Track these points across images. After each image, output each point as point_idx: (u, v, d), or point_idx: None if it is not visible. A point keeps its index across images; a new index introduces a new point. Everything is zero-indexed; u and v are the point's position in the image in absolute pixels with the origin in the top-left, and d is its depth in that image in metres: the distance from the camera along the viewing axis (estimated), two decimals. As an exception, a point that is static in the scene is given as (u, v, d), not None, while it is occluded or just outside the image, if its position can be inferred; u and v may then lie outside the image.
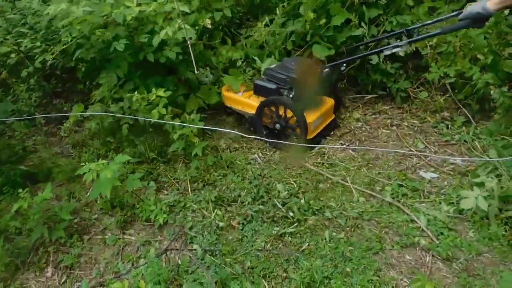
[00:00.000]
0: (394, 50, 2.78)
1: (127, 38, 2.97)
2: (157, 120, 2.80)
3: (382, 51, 2.88)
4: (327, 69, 3.09)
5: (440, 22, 2.84)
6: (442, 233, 2.41)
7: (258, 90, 3.21)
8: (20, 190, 2.48)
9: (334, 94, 3.37)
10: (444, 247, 2.30)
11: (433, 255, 2.31)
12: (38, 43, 3.34)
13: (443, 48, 3.13)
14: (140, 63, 3.12)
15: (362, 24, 3.30)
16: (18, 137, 3.60)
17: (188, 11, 2.93)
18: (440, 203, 2.61)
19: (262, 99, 3.20)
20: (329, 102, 3.28)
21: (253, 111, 3.22)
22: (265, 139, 3.08)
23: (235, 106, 3.40)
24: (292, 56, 3.51)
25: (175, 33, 2.81)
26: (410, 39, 2.77)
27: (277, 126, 3.15)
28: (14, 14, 3.69)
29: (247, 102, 3.30)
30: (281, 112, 3.09)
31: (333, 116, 3.37)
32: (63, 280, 2.39)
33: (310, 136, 3.09)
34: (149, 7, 2.86)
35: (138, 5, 2.87)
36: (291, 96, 3.06)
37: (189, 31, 2.83)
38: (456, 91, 3.30)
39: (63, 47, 3.09)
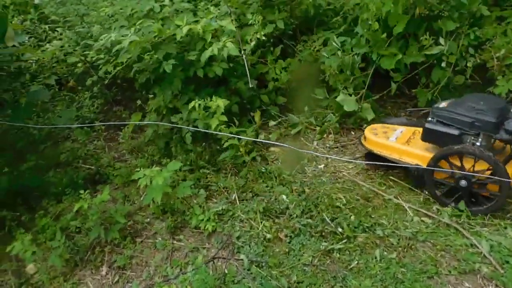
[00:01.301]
0: None
1: (177, 56, 3.10)
2: (214, 132, 2.84)
3: None
4: None
5: None
6: (507, 262, 2.21)
7: (431, 136, 2.61)
8: (81, 191, 2.63)
9: None
10: (509, 277, 2.11)
11: (496, 285, 2.13)
12: (102, 55, 3.57)
13: (511, 60, 2.92)
14: (192, 78, 3.22)
15: (441, 40, 3.04)
16: (81, 141, 3.84)
17: (233, 29, 3.00)
18: (505, 228, 2.41)
19: (428, 146, 2.69)
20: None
21: (419, 162, 2.68)
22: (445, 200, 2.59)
23: (388, 154, 2.81)
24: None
25: (221, 50, 2.89)
26: None
27: (463, 183, 2.52)
28: (83, 27, 3.97)
29: (410, 152, 2.73)
30: (467, 165, 2.48)
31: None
32: (115, 280, 2.49)
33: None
34: (198, 25, 2.95)
35: (187, 23, 2.97)
36: (478, 144, 2.47)
37: (232, 49, 2.89)
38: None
39: (121, 66, 3.27)
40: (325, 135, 3.52)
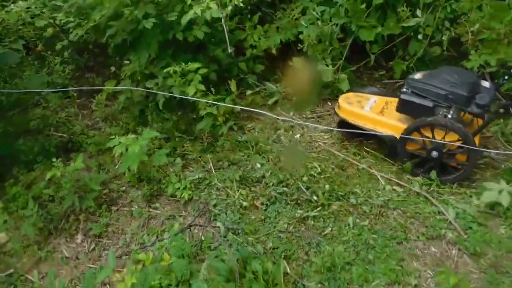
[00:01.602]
0: None
1: (156, 17, 2.97)
2: (191, 98, 2.78)
3: None
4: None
5: None
6: (471, 228, 2.34)
7: (406, 107, 2.62)
8: (54, 160, 2.57)
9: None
10: (472, 241, 2.24)
11: (459, 249, 2.25)
12: (71, 18, 3.40)
13: (485, 35, 2.96)
14: (170, 41, 3.12)
15: (418, 12, 3.03)
16: (52, 108, 3.71)
17: None
18: (470, 196, 2.53)
19: (401, 116, 2.70)
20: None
21: (393, 132, 2.69)
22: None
23: (363, 124, 2.80)
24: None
25: (204, 12, 2.79)
26: None
27: (434, 154, 2.58)
28: (50, -13, 3.76)
29: (384, 122, 2.74)
30: (438, 137, 2.52)
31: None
32: (91, 247, 2.49)
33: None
34: None
35: None
36: (450, 116, 2.49)
37: (215, 11, 2.80)
38: (496, 81, 3.14)
39: (93, 24, 3.12)
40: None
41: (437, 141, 2.49)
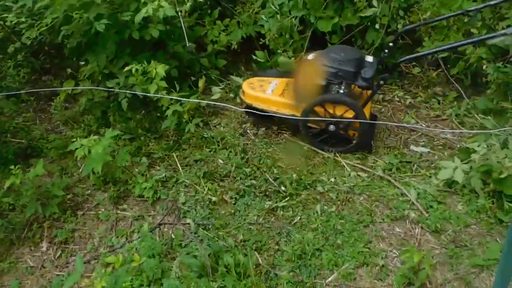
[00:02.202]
0: (500, 39, 2.22)
1: (109, 17, 2.90)
2: (155, 95, 2.74)
3: (485, 39, 2.38)
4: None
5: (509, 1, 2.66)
6: (431, 206, 2.45)
7: None
8: (12, 167, 2.47)
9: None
10: (433, 219, 2.34)
11: (422, 228, 2.35)
12: (23, 18, 3.25)
13: (436, 22, 3.10)
14: (128, 40, 3.05)
15: (374, 2, 3.13)
16: (8, 113, 3.56)
17: None
18: (430, 177, 2.64)
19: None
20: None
21: (295, 112, 2.81)
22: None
23: (266, 107, 2.88)
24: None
25: (156, 10, 2.76)
26: None
27: (331, 128, 2.78)
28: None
29: (286, 103, 2.83)
30: (333, 111, 2.72)
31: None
32: (58, 254, 2.42)
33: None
34: None
35: None
36: (342, 92, 2.66)
37: (168, 10, 2.78)
38: (448, 66, 3.29)
39: (46, 27, 3.00)
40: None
41: (329, 119, 2.71)
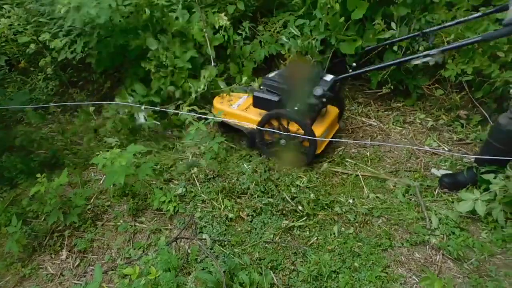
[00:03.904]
0: (425, 59, 2.47)
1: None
2: (176, 111, 2.82)
3: (409, 60, 2.57)
4: (337, 83, 2.88)
5: (461, 24, 2.74)
6: (453, 233, 2.38)
7: (258, 103, 2.93)
8: (38, 175, 2.54)
9: (338, 102, 3.18)
10: (455, 246, 2.27)
11: (443, 254, 2.29)
12: (58, 41, 3.41)
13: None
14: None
15: (392, 25, 3.14)
16: (35, 125, 3.68)
17: None
18: (452, 202, 2.58)
19: (260, 111, 2.96)
20: (334, 111, 3.11)
21: (253, 125, 2.96)
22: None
23: (231, 120, 3.11)
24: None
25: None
26: (444, 48, 2.46)
27: (282, 142, 2.91)
28: (32, 3, 3.76)
29: (245, 116, 3.04)
30: (286, 126, 2.85)
31: (338, 126, 3.23)
32: (76, 264, 2.45)
33: (319, 151, 2.91)
34: None
35: None
36: (296, 108, 2.80)
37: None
38: (473, 89, 3.24)
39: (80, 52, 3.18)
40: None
41: (280, 132, 2.83)
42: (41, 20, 3.56)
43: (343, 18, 3.14)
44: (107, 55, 3.39)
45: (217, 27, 3.41)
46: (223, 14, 3.37)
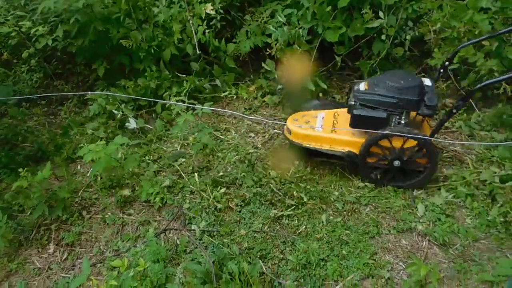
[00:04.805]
0: None
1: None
2: (167, 101, 2.79)
3: None
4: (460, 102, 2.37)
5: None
6: (439, 219, 2.41)
7: (361, 122, 2.49)
8: (20, 170, 2.50)
9: None
10: (441, 232, 2.30)
11: (429, 240, 2.32)
12: (40, 28, 3.34)
13: (447, 34, 3.08)
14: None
15: (380, 14, 3.12)
16: (20, 117, 3.62)
17: None
18: (439, 189, 2.61)
19: (354, 131, 2.60)
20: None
21: (351, 148, 2.60)
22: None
23: (319, 146, 2.66)
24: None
25: None
26: None
27: (396, 163, 2.54)
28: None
29: (340, 139, 2.62)
30: (397, 144, 2.50)
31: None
32: (64, 257, 2.44)
33: None
34: None
35: None
36: (403, 122, 2.47)
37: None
38: (459, 77, 3.27)
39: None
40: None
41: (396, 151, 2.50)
42: (19, 13, 3.48)
43: (330, 7, 3.13)
44: (88, 44, 3.33)
45: (203, 17, 3.37)
46: (209, 4, 3.33)
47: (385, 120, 2.46)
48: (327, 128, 2.67)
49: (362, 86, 2.58)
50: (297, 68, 2.91)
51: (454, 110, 2.39)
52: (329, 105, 2.98)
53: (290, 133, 2.75)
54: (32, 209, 2.60)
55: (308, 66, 2.94)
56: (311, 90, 3.30)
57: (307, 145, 2.69)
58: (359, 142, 2.58)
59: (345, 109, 2.61)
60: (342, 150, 2.62)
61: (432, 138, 2.46)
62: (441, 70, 2.70)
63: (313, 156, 2.85)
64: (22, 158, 3.09)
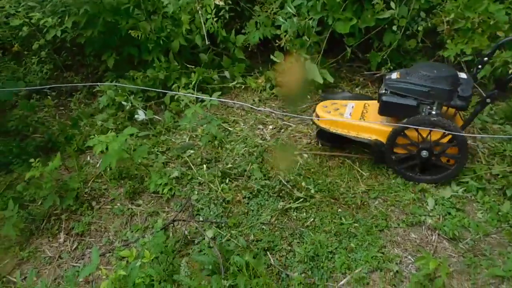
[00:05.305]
0: None
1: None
2: (175, 92, 2.79)
3: None
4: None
5: None
6: (449, 213, 2.38)
7: (389, 109, 2.50)
8: (32, 160, 2.53)
9: None
10: (450, 226, 2.28)
11: (439, 234, 2.29)
12: (49, 19, 3.36)
13: (460, 24, 3.02)
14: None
15: (392, 4, 3.06)
16: (30, 109, 3.65)
17: None
18: (449, 183, 2.58)
19: (382, 119, 2.60)
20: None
21: (378, 136, 2.59)
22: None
23: (345, 132, 2.67)
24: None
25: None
26: None
27: (424, 153, 2.51)
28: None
29: (367, 127, 2.61)
30: (425, 135, 2.46)
31: None
32: (74, 246, 2.47)
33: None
34: None
35: None
36: (434, 113, 2.41)
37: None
38: (471, 70, 3.20)
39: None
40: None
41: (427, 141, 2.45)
42: (30, 4, 3.50)
43: None
44: (97, 35, 3.34)
45: (212, 8, 3.35)
46: None
47: (414, 109, 2.42)
48: (356, 115, 2.70)
49: (394, 75, 2.56)
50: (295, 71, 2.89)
51: (488, 100, 2.33)
52: (360, 97, 2.99)
53: (318, 118, 2.77)
54: (43, 199, 2.63)
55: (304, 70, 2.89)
56: (319, 83, 3.27)
57: (334, 131, 2.69)
58: (386, 131, 2.54)
59: (376, 101, 2.60)
60: (369, 138, 2.60)
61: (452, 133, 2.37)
62: (479, 66, 2.61)
63: (338, 144, 2.92)
64: (33, 148, 3.13)
